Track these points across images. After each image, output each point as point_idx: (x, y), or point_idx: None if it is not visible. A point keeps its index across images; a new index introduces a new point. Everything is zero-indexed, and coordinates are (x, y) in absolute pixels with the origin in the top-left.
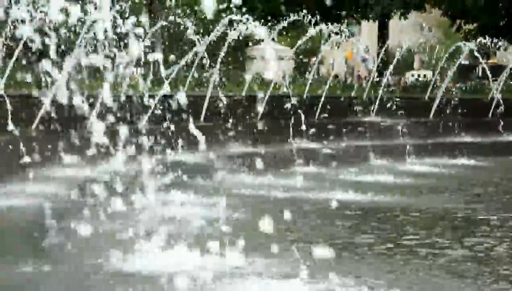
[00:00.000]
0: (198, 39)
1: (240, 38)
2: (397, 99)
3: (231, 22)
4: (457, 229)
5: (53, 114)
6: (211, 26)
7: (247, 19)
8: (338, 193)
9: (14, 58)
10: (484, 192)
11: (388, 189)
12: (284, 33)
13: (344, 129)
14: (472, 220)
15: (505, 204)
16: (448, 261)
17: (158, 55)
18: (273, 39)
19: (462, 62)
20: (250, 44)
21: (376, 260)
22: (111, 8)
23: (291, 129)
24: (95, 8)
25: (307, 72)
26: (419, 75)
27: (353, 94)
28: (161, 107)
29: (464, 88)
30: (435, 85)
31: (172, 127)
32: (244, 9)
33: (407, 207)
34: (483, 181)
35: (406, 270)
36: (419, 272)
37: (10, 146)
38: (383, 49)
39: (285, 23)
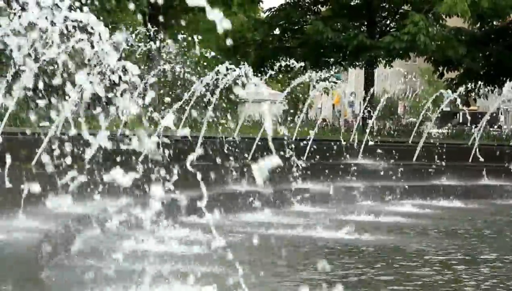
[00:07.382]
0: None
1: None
2: (382, 143)
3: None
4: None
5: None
6: (206, 71)
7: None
8: (325, 231)
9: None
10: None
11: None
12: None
13: (331, 171)
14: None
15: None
16: None
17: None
18: (266, 83)
19: (444, 109)
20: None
21: None
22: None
23: (279, 170)
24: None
25: (297, 116)
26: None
27: (340, 137)
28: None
29: (446, 133)
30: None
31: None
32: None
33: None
34: (469, 221)
35: None
36: None
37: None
38: (369, 95)
39: (275, 69)
